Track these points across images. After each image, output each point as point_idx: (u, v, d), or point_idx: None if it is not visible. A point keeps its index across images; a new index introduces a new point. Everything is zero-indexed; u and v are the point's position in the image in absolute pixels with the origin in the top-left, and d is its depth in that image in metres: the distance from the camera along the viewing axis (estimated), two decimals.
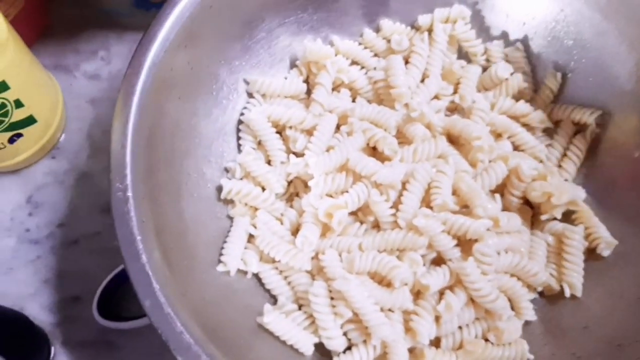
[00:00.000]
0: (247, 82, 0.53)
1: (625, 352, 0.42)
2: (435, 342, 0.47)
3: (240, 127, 0.53)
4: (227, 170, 0.52)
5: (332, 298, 0.46)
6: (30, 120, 0.54)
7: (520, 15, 0.55)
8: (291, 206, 0.52)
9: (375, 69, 0.56)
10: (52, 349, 0.53)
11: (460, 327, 0.47)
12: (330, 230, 0.49)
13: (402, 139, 0.52)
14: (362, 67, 0.56)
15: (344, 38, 0.57)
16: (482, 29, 0.56)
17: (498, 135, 0.53)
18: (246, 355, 0.43)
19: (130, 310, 0.53)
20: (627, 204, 0.49)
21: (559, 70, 0.54)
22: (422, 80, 0.55)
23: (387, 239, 0.47)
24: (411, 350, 0.46)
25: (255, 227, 0.49)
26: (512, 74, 0.55)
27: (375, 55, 0.57)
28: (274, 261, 0.49)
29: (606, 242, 0.48)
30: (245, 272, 0.49)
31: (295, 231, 0.50)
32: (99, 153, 0.60)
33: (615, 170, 0.51)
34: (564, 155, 0.53)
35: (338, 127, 0.53)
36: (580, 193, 0.50)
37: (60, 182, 0.59)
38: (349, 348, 0.47)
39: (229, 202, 0.51)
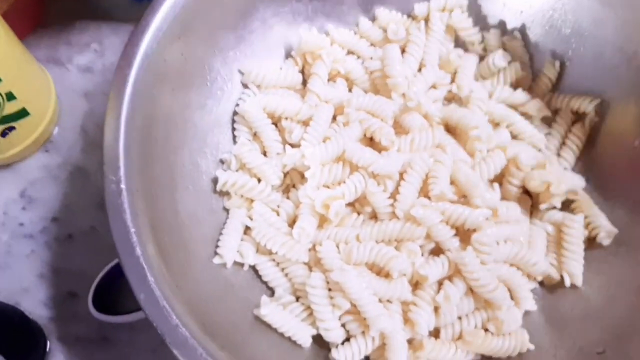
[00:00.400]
0: (241, 73, 0.53)
1: (627, 341, 0.42)
2: (435, 333, 0.46)
3: (236, 118, 0.53)
4: (222, 162, 0.52)
5: (329, 289, 0.46)
6: (22, 113, 0.53)
7: (517, 3, 0.54)
8: (288, 197, 0.51)
9: (371, 58, 0.55)
10: (48, 343, 0.53)
11: (459, 318, 0.46)
12: (327, 221, 0.48)
13: (399, 129, 0.52)
14: (358, 57, 0.56)
15: (339, 27, 0.56)
16: (479, 18, 0.56)
17: (496, 125, 0.53)
18: (243, 348, 0.43)
19: (126, 304, 0.52)
20: (626, 192, 0.49)
21: (557, 58, 0.53)
22: (419, 70, 0.55)
23: (385, 230, 0.47)
24: (410, 341, 0.45)
25: (251, 219, 0.49)
26: (509, 62, 0.54)
27: (372, 44, 0.56)
28: (270, 253, 0.48)
29: (606, 231, 0.48)
30: (242, 265, 0.48)
31: (292, 223, 0.49)
32: (92, 147, 0.60)
33: (614, 158, 0.51)
34: (563, 144, 0.53)
35: (334, 118, 0.52)
36: (580, 182, 0.50)
37: (54, 176, 0.58)
38: (347, 339, 0.46)
39: (225, 194, 0.50)
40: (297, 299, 0.48)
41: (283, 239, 0.47)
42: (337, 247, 0.47)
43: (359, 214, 0.50)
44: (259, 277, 0.49)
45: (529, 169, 0.49)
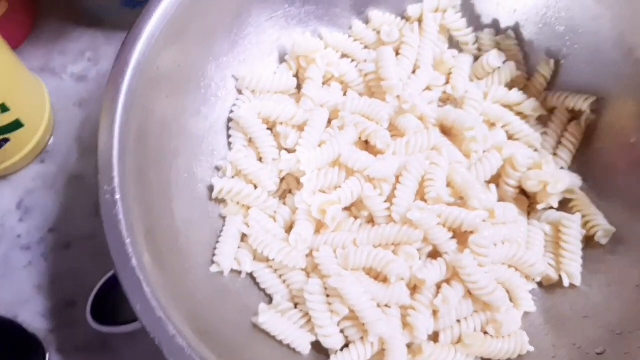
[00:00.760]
0: (236, 79, 0.53)
1: (626, 340, 0.42)
2: (434, 337, 0.46)
3: (230, 124, 0.52)
4: (218, 169, 0.51)
5: (328, 295, 0.46)
6: (16, 125, 0.53)
7: (511, 2, 0.54)
8: (284, 203, 0.51)
9: (365, 61, 0.55)
10: (47, 355, 0.52)
11: (458, 321, 0.46)
12: (324, 226, 0.48)
13: (395, 131, 0.52)
14: (353, 60, 0.56)
15: (333, 31, 0.56)
16: (473, 18, 0.55)
17: (492, 125, 0.53)
18: (242, 357, 0.43)
19: (126, 312, 0.52)
20: (624, 190, 0.49)
21: (552, 57, 0.53)
22: (414, 72, 0.54)
23: (382, 234, 0.47)
24: (409, 346, 0.45)
25: (248, 226, 0.49)
26: (504, 62, 0.54)
27: (366, 47, 0.56)
28: (268, 260, 0.48)
29: (604, 230, 0.48)
30: (240, 272, 0.48)
31: (289, 229, 0.49)
32: (88, 155, 0.59)
33: (611, 156, 0.50)
34: (559, 142, 0.52)
35: (330, 122, 0.52)
36: (577, 181, 0.50)
37: (50, 186, 0.58)
38: (346, 346, 0.46)
39: (221, 201, 0.50)
40: (296, 305, 0.47)
41: (280, 245, 0.47)
42: (335, 252, 0.47)
43: (356, 218, 0.49)
44: (257, 284, 0.49)
45: (525, 169, 0.49)
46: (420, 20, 0.55)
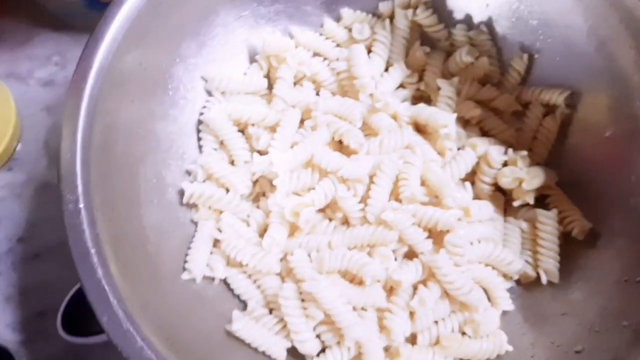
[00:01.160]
0: (205, 80, 0.52)
1: (604, 337, 0.41)
2: (411, 339, 0.46)
3: (201, 127, 0.51)
4: (188, 173, 0.50)
5: (303, 300, 0.45)
6: None
7: None
8: (258, 207, 0.50)
9: (337, 59, 0.54)
10: None
11: (436, 322, 0.46)
12: (298, 229, 0.47)
13: (368, 130, 0.51)
14: (324, 59, 0.55)
15: (303, 29, 0.55)
16: (445, 14, 0.54)
17: (466, 122, 0.52)
18: None
19: (97, 324, 0.51)
20: (600, 184, 0.48)
21: (525, 51, 0.52)
22: (386, 69, 0.54)
23: (357, 235, 0.46)
24: (387, 349, 0.45)
25: (220, 231, 0.48)
26: (477, 57, 0.53)
27: (337, 45, 0.55)
28: (241, 265, 0.47)
29: (580, 226, 0.47)
30: (213, 279, 0.47)
31: (262, 232, 0.48)
32: (57, 162, 0.58)
33: (587, 150, 0.50)
34: (535, 138, 0.52)
35: (302, 122, 0.51)
36: (552, 176, 0.49)
37: (18, 194, 0.57)
38: (323, 351, 0.45)
39: (192, 206, 0.49)
40: (271, 311, 0.47)
41: (253, 250, 0.46)
42: (309, 255, 0.46)
43: (330, 220, 0.48)
44: (231, 290, 0.48)
45: (500, 166, 0.48)
46: (391, 17, 0.54)
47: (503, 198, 0.50)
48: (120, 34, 0.43)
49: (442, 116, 0.49)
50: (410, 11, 0.53)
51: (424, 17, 0.53)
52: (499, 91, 0.53)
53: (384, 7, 0.54)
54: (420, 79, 0.54)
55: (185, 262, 0.46)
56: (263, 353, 0.44)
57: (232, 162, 0.51)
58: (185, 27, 0.49)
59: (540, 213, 0.48)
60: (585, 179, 0.49)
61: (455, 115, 0.50)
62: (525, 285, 0.48)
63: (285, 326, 0.45)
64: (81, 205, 0.39)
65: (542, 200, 0.50)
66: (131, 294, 0.39)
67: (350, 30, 0.55)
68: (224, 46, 0.52)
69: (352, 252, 0.45)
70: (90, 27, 0.43)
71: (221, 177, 0.49)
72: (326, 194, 0.47)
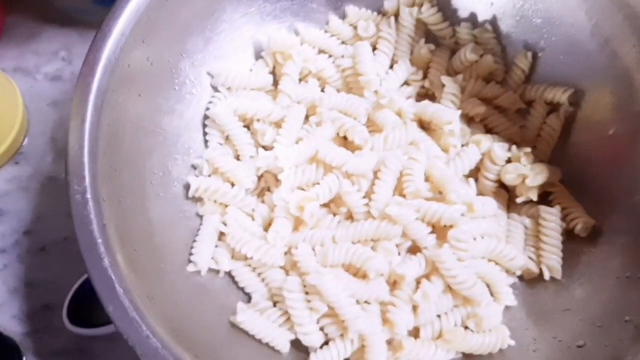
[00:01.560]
0: (211, 76, 0.52)
1: (607, 332, 0.42)
2: (414, 333, 0.46)
3: (206, 122, 0.52)
4: (194, 167, 0.51)
5: (307, 293, 0.45)
6: None
7: None
8: (263, 202, 0.50)
9: (342, 56, 0.54)
10: (24, 359, 0.51)
11: (438, 316, 0.46)
12: (302, 223, 0.47)
13: (373, 127, 0.51)
14: (330, 56, 0.55)
15: (309, 26, 0.55)
16: (450, 11, 0.55)
17: (470, 119, 0.52)
18: (220, 356, 0.42)
19: (102, 315, 0.51)
20: (603, 181, 0.48)
21: (530, 49, 0.53)
22: (391, 66, 0.54)
23: (361, 230, 0.46)
24: (390, 342, 0.45)
25: (225, 225, 0.48)
26: (482, 55, 0.53)
27: (342, 42, 0.55)
28: (246, 258, 0.47)
29: (584, 222, 0.47)
30: (217, 271, 0.48)
31: (267, 227, 0.48)
32: (63, 156, 0.58)
33: (590, 148, 0.50)
34: (538, 135, 0.52)
35: (307, 118, 0.52)
36: (556, 173, 0.50)
37: (25, 187, 0.57)
38: (326, 343, 0.45)
39: (198, 199, 0.50)
40: (275, 304, 0.47)
41: (258, 243, 0.47)
42: (313, 249, 0.47)
43: (334, 215, 0.49)
44: (235, 283, 0.48)
45: (503, 163, 0.48)
46: (396, 15, 0.55)
47: (507, 195, 0.51)
48: (127, 28, 0.44)
49: (447, 113, 0.49)
50: (415, 9, 0.54)
51: (428, 15, 0.54)
52: (503, 89, 0.53)
53: (389, 5, 0.55)
54: (425, 76, 0.54)
55: (191, 254, 0.47)
56: (267, 345, 0.45)
57: (237, 157, 0.51)
58: (192, 23, 0.50)
59: (544, 210, 0.48)
60: (589, 177, 0.49)
61: (459, 111, 0.50)
62: (528, 281, 0.48)
63: (289, 318, 0.45)
64: (88, 196, 0.39)
65: (545, 197, 0.50)
66: (137, 285, 0.39)
67: (355, 27, 0.55)
68: (230, 42, 0.53)
69: (356, 246, 0.46)
70: (98, 23, 0.44)
71: (227, 172, 0.49)
72: (331, 188, 0.47)
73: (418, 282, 0.46)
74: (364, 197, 0.47)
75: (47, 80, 0.62)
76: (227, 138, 0.51)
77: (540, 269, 0.47)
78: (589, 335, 0.42)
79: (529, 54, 0.52)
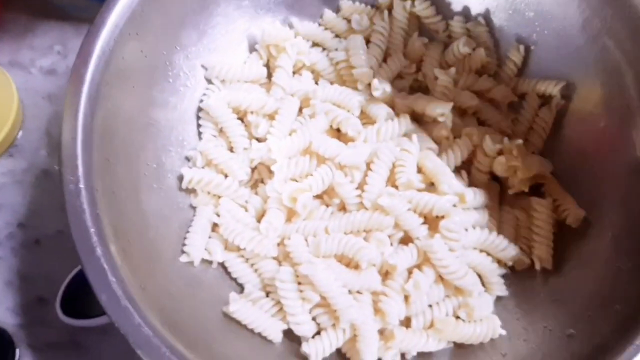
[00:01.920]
0: (205, 68, 0.52)
1: (596, 321, 0.42)
2: (406, 322, 0.46)
3: (200, 114, 0.52)
4: (188, 159, 0.51)
5: (299, 283, 0.45)
6: None
7: None
8: (256, 193, 0.51)
9: (336, 49, 0.55)
10: (17, 351, 0.52)
11: (430, 306, 0.46)
12: (295, 214, 0.48)
13: (366, 119, 0.51)
14: (323, 49, 0.55)
15: (303, 19, 0.55)
16: (443, 5, 0.55)
17: (463, 112, 0.53)
18: (213, 346, 0.42)
19: (96, 307, 0.51)
20: (594, 173, 0.49)
21: (522, 43, 0.53)
22: (385, 59, 0.54)
23: (353, 221, 0.47)
24: (381, 332, 0.45)
25: (218, 216, 0.48)
26: (474, 49, 0.54)
27: (336, 35, 0.56)
28: (239, 249, 0.48)
29: (574, 214, 0.48)
30: (210, 262, 0.48)
31: (260, 218, 0.49)
32: (58, 150, 0.59)
33: (582, 140, 0.50)
34: (530, 128, 0.52)
35: (301, 110, 0.52)
36: (547, 165, 0.50)
37: (19, 181, 0.57)
38: (318, 333, 0.46)
39: (191, 191, 0.50)
40: (267, 294, 0.47)
41: (251, 234, 0.47)
42: (306, 240, 0.47)
43: (327, 206, 0.49)
44: (228, 274, 0.48)
45: (495, 155, 0.48)
46: (390, 9, 0.55)
47: (499, 186, 0.51)
48: (121, 21, 0.44)
49: (439, 105, 0.49)
50: (408, 3, 0.54)
51: (422, 8, 0.54)
52: (496, 82, 0.53)
53: None
54: (418, 69, 0.55)
55: (184, 245, 0.47)
56: (259, 335, 0.45)
57: (231, 149, 0.51)
58: (186, 16, 0.50)
59: (535, 201, 0.48)
60: (580, 169, 0.50)
61: (451, 104, 0.50)
62: (520, 272, 0.49)
63: (281, 309, 0.46)
64: (81, 186, 0.40)
65: (537, 189, 0.50)
66: (130, 275, 0.39)
67: (349, 21, 0.55)
68: (224, 35, 0.53)
69: (348, 236, 0.46)
70: (92, 18, 0.44)
71: (220, 163, 0.49)
72: (324, 180, 0.48)
73: (410, 272, 0.46)
74: (356, 188, 0.48)
75: (43, 74, 0.62)
76: (220, 130, 0.52)
77: (532, 260, 0.48)
78: (579, 325, 0.43)
79: (522, 48, 0.53)
